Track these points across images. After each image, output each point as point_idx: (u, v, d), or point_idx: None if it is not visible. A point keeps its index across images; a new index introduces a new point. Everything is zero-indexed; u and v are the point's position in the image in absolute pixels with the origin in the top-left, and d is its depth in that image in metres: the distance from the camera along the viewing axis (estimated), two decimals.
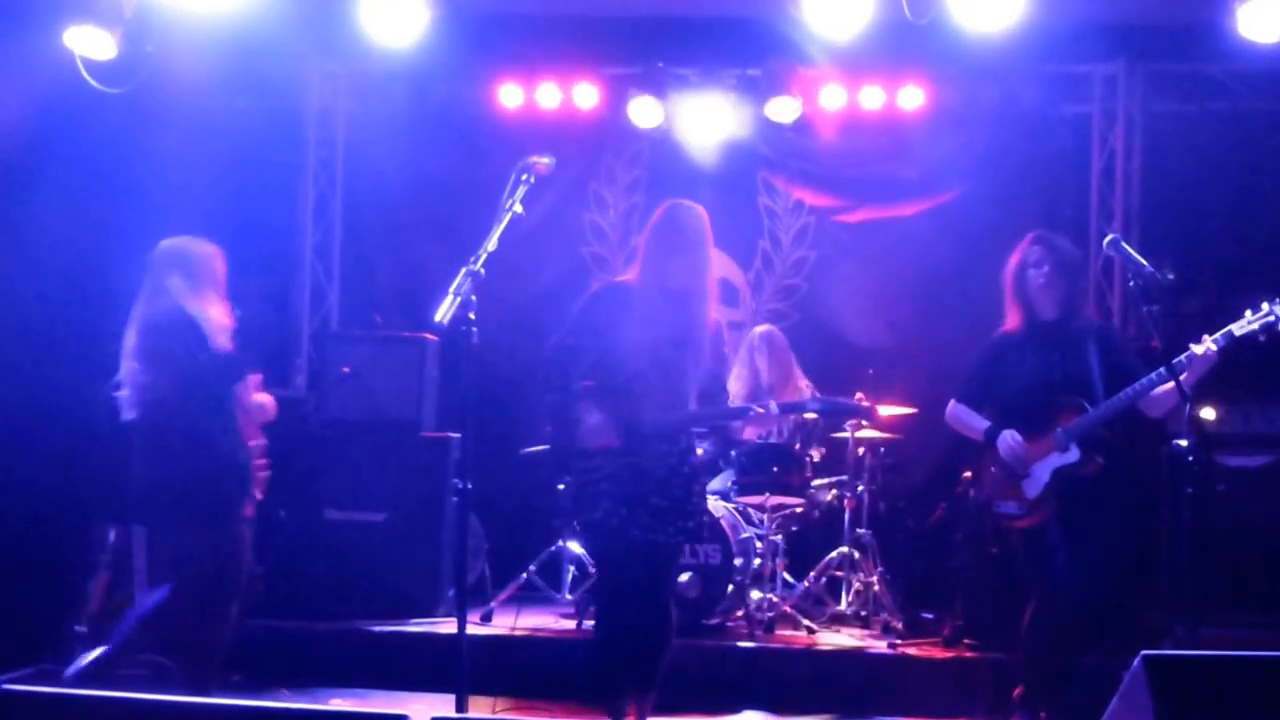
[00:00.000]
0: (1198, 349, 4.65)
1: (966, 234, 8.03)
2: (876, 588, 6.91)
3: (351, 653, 6.36)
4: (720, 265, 8.64)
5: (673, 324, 4.59)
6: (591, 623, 6.60)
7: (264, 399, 5.51)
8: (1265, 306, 4.62)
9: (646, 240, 4.74)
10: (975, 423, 5.18)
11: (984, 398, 5.21)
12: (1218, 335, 4.66)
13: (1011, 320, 5.15)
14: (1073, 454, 4.91)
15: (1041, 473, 4.95)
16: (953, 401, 5.30)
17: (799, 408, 5.22)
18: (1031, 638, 4.99)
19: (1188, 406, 4.51)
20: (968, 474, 5.34)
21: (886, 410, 7.00)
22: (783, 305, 8.53)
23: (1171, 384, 4.59)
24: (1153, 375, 4.71)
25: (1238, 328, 4.66)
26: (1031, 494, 4.97)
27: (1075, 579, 4.86)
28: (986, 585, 6.31)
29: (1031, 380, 5.01)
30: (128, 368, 5.32)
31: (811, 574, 7.14)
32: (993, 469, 5.10)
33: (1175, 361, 4.60)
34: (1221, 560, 6.00)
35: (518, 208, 3.81)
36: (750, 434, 4.82)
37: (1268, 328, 4.60)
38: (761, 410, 4.67)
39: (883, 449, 7.29)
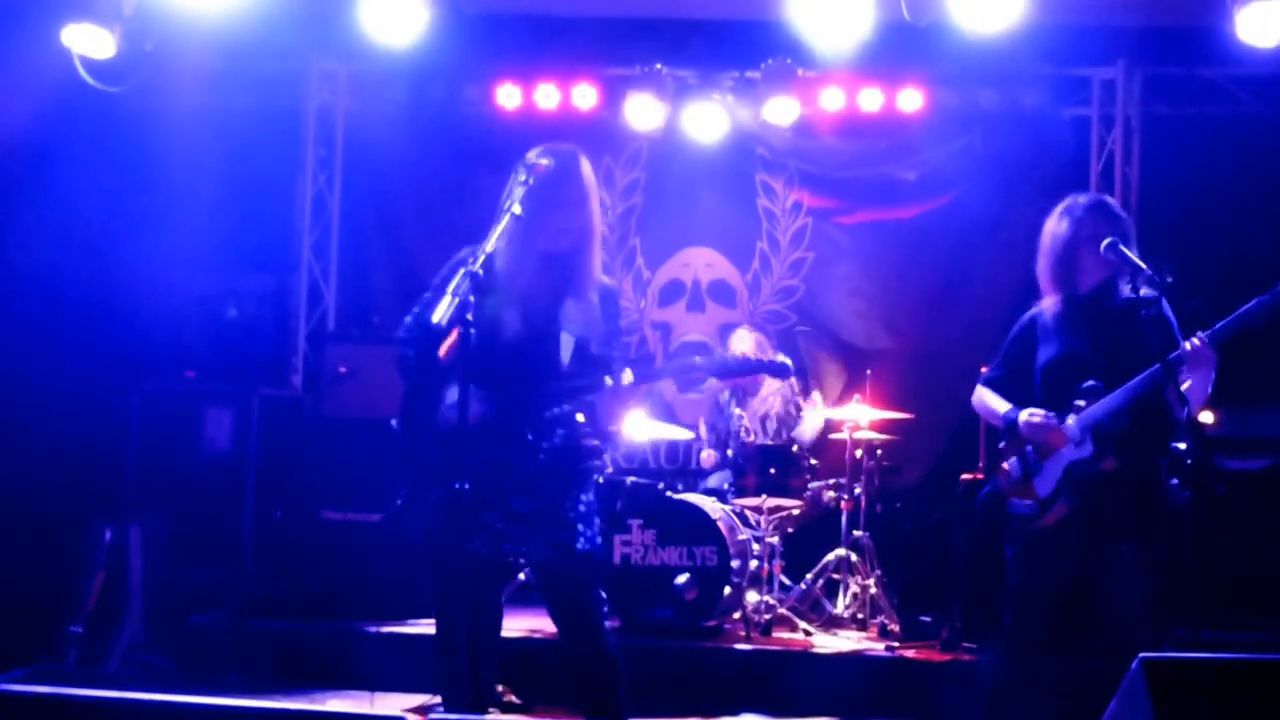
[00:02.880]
0: (1186, 345, 4.17)
1: (965, 236, 8.05)
2: (874, 590, 6.90)
3: (348, 653, 6.35)
4: (718, 267, 8.70)
5: (548, 292, 3.92)
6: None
7: None
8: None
9: (526, 195, 3.83)
10: (996, 405, 4.56)
11: (1012, 381, 4.59)
12: (1211, 330, 4.18)
13: (1049, 297, 4.52)
14: (1086, 448, 4.28)
15: (1053, 468, 4.36)
16: (978, 387, 4.69)
17: (657, 375, 4.04)
18: (994, 655, 4.59)
19: (1186, 410, 4.32)
20: (966, 476, 4.99)
21: (884, 413, 7.00)
22: (780, 307, 8.53)
23: (1186, 384, 4.14)
24: (1158, 367, 4.16)
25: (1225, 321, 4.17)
26: (1043, 491, 4.38)
27: (1104, 595, 4.33)
28: (985, 588, 6.30)
29: (1056, 357, 4.43)
30: None
31: (809, 576, 7.13)
32: (1006, 462, 4.52)
33: (1172, 356, 4.15)
34: (1221, 563, 6.00)
35: (516, 208, 3.79)
36: (612, 413, 3.97)
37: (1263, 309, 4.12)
38: (609, 382, 3.85)
39: (880, 451, 7.28)
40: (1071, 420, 4.33)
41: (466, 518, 3.77)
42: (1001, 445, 4.60)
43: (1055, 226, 4.52)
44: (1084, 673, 4.48)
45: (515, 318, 3.91)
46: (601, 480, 3.96)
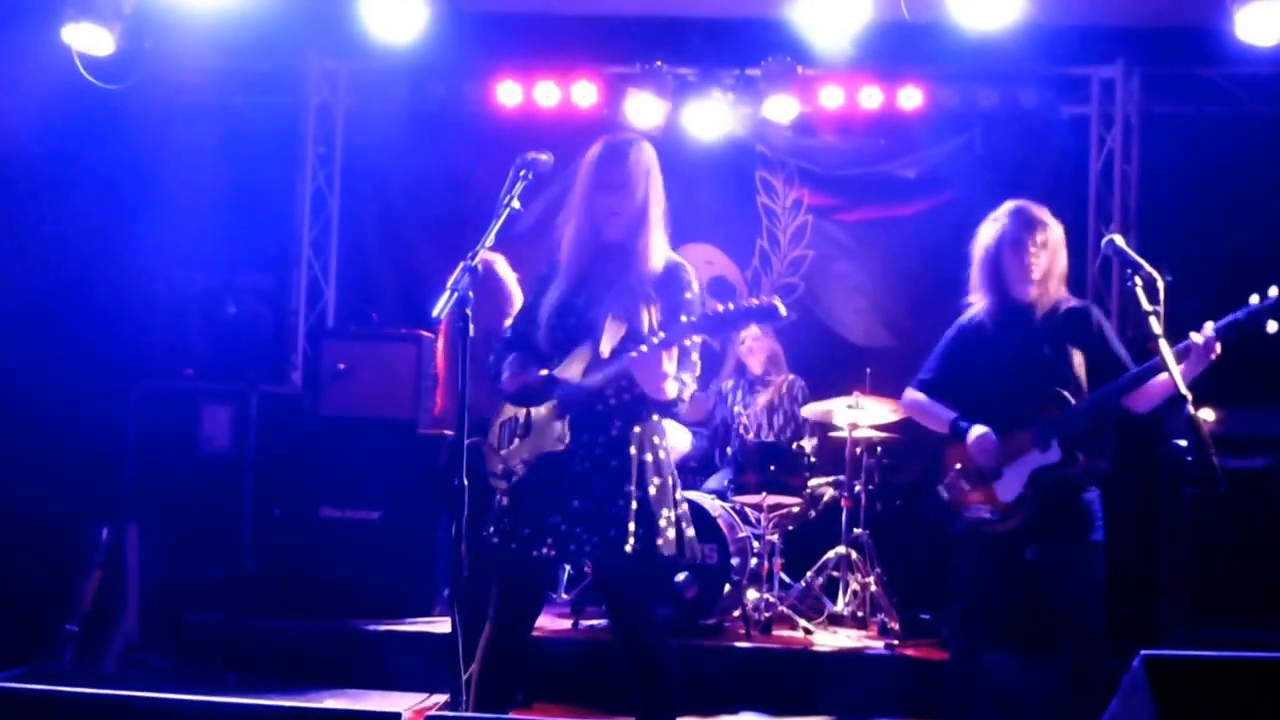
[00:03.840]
0: (1196, 337, 4.21)
1: (964, 234, 7.95)
2: (874, 588, 6.90)
3: (346, 652, 6.34)
4: (718, 264, 8.69)
5: (601, 279, 3.94)
6: (588, 623, 6.62)
7: None
8: (1274, 291, 4.17)
9: (579, 181, 3.99)
10: (939, 413, 4.69)
11: (948, 387, 4.72)
12: (1219, 323, 4.22)
13: (980, 302, 4.68)
14: (1053, 453, 4.43)
15: (1017, 474, 4.49)
16: (909, 389, 4.83)
17: (682, 331, 3.76)
18: (951, 634, 4.79)
19: (1186, 406, 4.32)
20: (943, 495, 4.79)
21: (884, 407, 6.99)
22: None
23: (1163, 375, 4.21)
24: (1144, 366, 4.32)
25: (1240, 313, 4.21)
26: (1005, 498, 4.51)
27: (1057, 582, 4.47)
28: None
29: (1005, 367, 4.53)
30: None
31: (809, 574, 7.13)
32: (958, 467, 4.65)
33: (1179, 348, 4.19)
34: (1221, 562, 5.99)
35: (515, 204, 3.78)
36: (649, 382, 3.77)
37: (1273, 309, 4.14)
38: (636, 353, 3.71)
39: (880, 448, 7.28)
40: (1035, 426, 4.44)
41: (532, 523, 3.82)
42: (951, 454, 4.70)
43: (983, 233, 4.68)
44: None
45: (564, 312, 3.93)
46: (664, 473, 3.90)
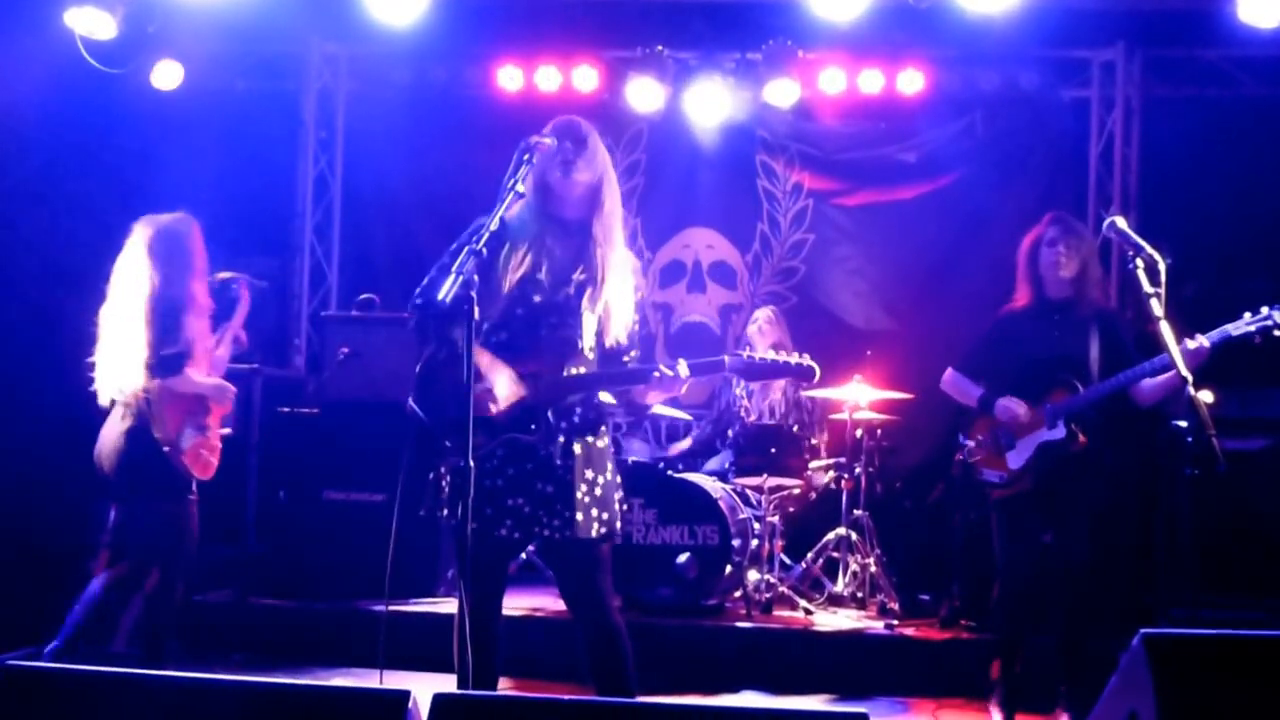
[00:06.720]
0: (1190, 344, 4.59)
1: (965, 218, 8.07)
2: (874, 569, 6.94)
3: (351, 632, 6.38)
4: (719, 248, 8.71)
5: (561, 261, 3.94)
6: None
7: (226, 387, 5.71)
8: (1264, 310, 4.58)
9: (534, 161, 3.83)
10: (971, 389, 5.31)
11: (983, 371, 5.31)
12: (1213, 333, 4.63)
13: (1021, 297, 5.23)
14: (1059, 431, 5.02)
15: (1026, 446, 5.08)
16: (950, 370, 5.42)
17: (713, 367, 3.88)
18: (994, 609, 5.25)
19: (1188, 389, 4.44)
20: (959, 456, 5.33)
21: (883, 393, 7.02)
22: (781, 288, 8.55)
23: (1164, 375, 4.70)
24: (1144, 365, 4.77)
25: (1234, 328, 4.63)
26: (1014, 465, 5.11)
27: (1057, 555, 5.02)
28: (983, 566, 6.33)
29: (1029, 353, 5.10)
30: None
31: (809, 555, 7.17)
32: (980, 437, 5.25)
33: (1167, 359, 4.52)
34: (1220, 542, 6.03)
35: (520, 187, 3.81)
36: (655, 398, 3.97)
37: (1264, 331, 4.58)
38: (669, 373, 3.78)
39: (880, 431, 7.31)
40: (1047, 407, 5.02)
41: (495, 503, 3.84)
42: (974, 421, 5.31)
43: (1027, 237, 5.22)
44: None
45: (531, 293, 3.92)
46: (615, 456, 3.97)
